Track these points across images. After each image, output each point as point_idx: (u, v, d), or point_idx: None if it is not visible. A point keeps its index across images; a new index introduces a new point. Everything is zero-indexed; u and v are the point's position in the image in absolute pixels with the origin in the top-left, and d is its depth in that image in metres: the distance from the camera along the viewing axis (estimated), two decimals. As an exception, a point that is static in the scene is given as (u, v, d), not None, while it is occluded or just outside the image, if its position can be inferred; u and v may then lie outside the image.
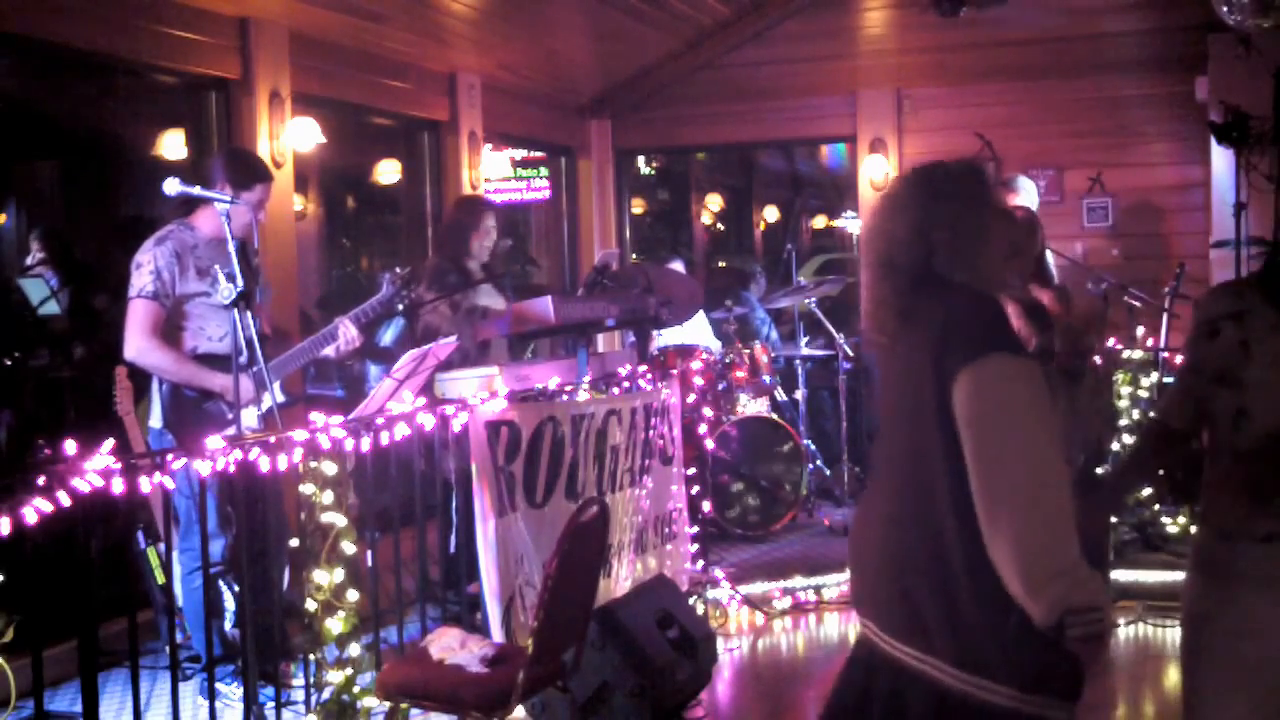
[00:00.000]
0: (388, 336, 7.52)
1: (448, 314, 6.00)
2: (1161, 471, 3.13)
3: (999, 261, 2.53)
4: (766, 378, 8.14)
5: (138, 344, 4.73)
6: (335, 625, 4.26)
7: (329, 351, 4.99)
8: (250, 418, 4.69)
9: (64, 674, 4.86)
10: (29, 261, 6.80)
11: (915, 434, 2.43)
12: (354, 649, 4.31)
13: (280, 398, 4.66)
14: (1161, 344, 7.51)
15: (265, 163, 5.33)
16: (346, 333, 4.94)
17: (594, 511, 3.86)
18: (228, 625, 4.88)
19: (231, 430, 4.42)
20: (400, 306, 5.13)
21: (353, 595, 4.30)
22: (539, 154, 10.29)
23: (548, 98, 9.69)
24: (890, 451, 2.57)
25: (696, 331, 8.36)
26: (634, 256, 11.06)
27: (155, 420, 4.86)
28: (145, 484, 3.68)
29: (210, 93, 6.40)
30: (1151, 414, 2.56)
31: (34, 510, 3.30)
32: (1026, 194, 7.07)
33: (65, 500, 3.37)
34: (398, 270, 5.13)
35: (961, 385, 2.33)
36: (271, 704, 4.36)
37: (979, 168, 2.63)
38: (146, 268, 4.72)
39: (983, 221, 2.52)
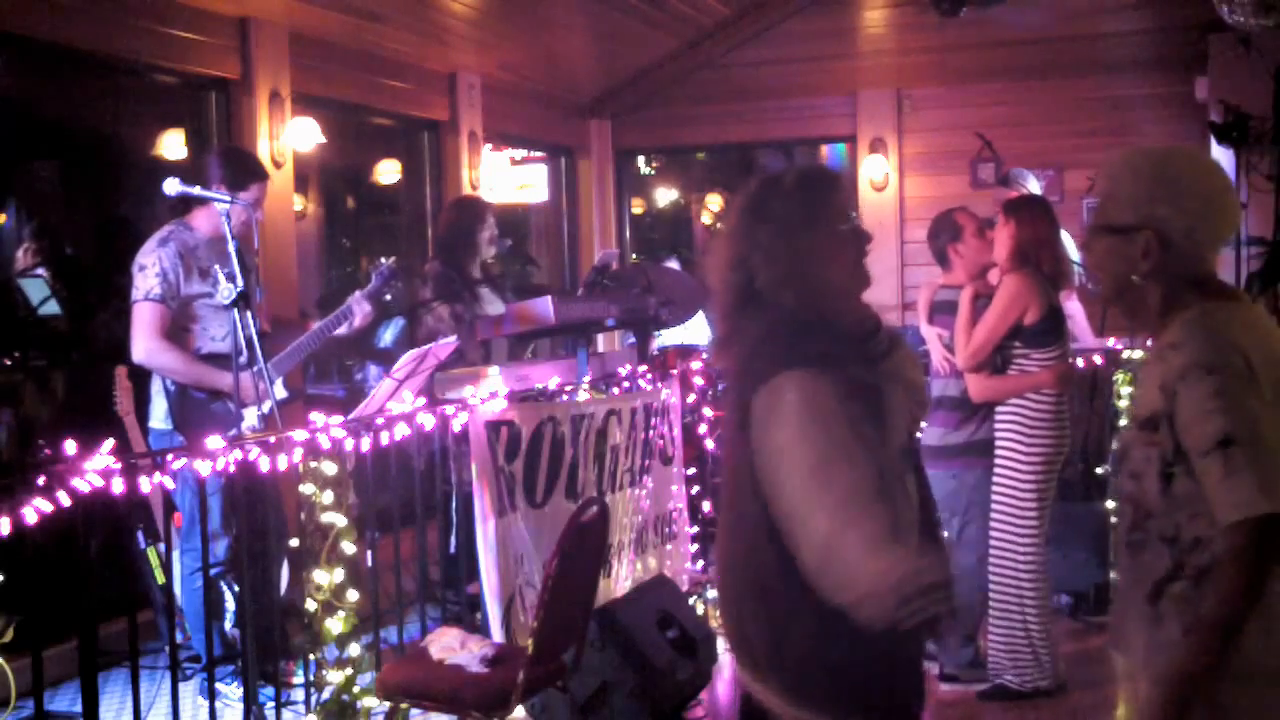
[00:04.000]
0: (388, 337, 7.52)
1: (450, 321, 6.00)
2: None
3: (829, 282, 2.40)
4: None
5: (147, 346, 4.72)
6: (335, 625, 4.26)
7: (342, 330, 5.09)
8: (252, 417, 4.70)
9: (64, 674, 4.87)
10: (19, 258, 6.78)
11: (732, 460, 2.40)
12: (354, 649, 4.31)
13: (283, 394, 4.67)
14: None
15: (260, 161, 5.33)
16: (361, 309, 5.06)
17: (594, 511, 3.86)
18: (228, 625, 4.88)
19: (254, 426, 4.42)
20: (389, 297, 5.17)
21: (353, 595, 4.30)
22: (539, 154, 10.29)
23: (548, 98, 9.68)
24: (724, 478, 2.57)
25: (697, 332, 8.36)
26: (634, 256, 11.07)
27: (158, 421, 4.86)
28: (145, 484, 3.68)
29: (210, 93, 6.40)
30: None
31: (34, 510, 3.30)
32: (1030, 184, 7.06)
33: (65, 500, 3.38)
34: (383, 261, 5.19)
35: (754, 408, 2.29)
36: (271, 704, 4.36)
37: (818, 179, 2.48)
38: (151, 270, 4.71)
39: (806, 243, 2.38)
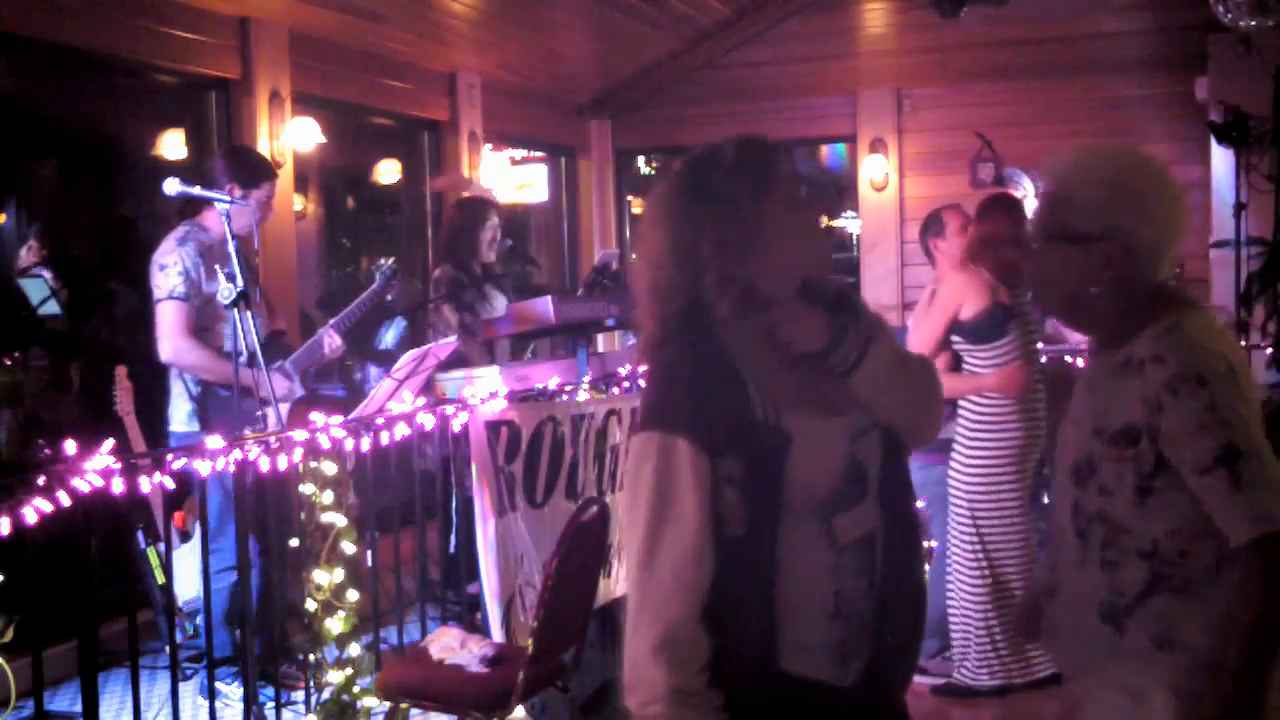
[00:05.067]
0: (389, 337, 7.51)
1: (455, 329, 6.00)
2: None
3: (792, 262, 2.13)
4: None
5: (175, 345, 4.71)
6: (335, 625, 4.26)
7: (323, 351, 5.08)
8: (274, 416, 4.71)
9: (64, 674, 4.86)
10: (22, 256, 6.78)
11: None
12: (354, 649, 4.31)
13: (300, 391, 4.69)
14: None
15: (269, 160, 5.32)
16: (331, 342, 5.03)
17: (594, 511, 3.86)
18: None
19: (274, 425, 4.42)
20: (390, 297, 5.17)
21: (353, 595, 4.30)
22: (538, 154, 10.30)
23: (548, 98, 9.69)
24: None
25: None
26: (634, 256, 11.05)
27: (180, 424, 4.83)
28: (145, 484, 3.69)
29: (210, 93, 6.41)
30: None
31: (34, 510, 3.30)
32: (1025, 185, 7.07)
33: (65, 500, 3.38)
34: (384, 261, 5.19)
35: (630, 446, 2.16)
36: (271, 704, 4.36)
37: (760, 146, 2.14)
38: (174, 269, 4.70)
39: (759, 218, 2.09)
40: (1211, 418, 2.14)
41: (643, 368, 2.31)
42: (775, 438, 2.07)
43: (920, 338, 4.95)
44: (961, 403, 4.94)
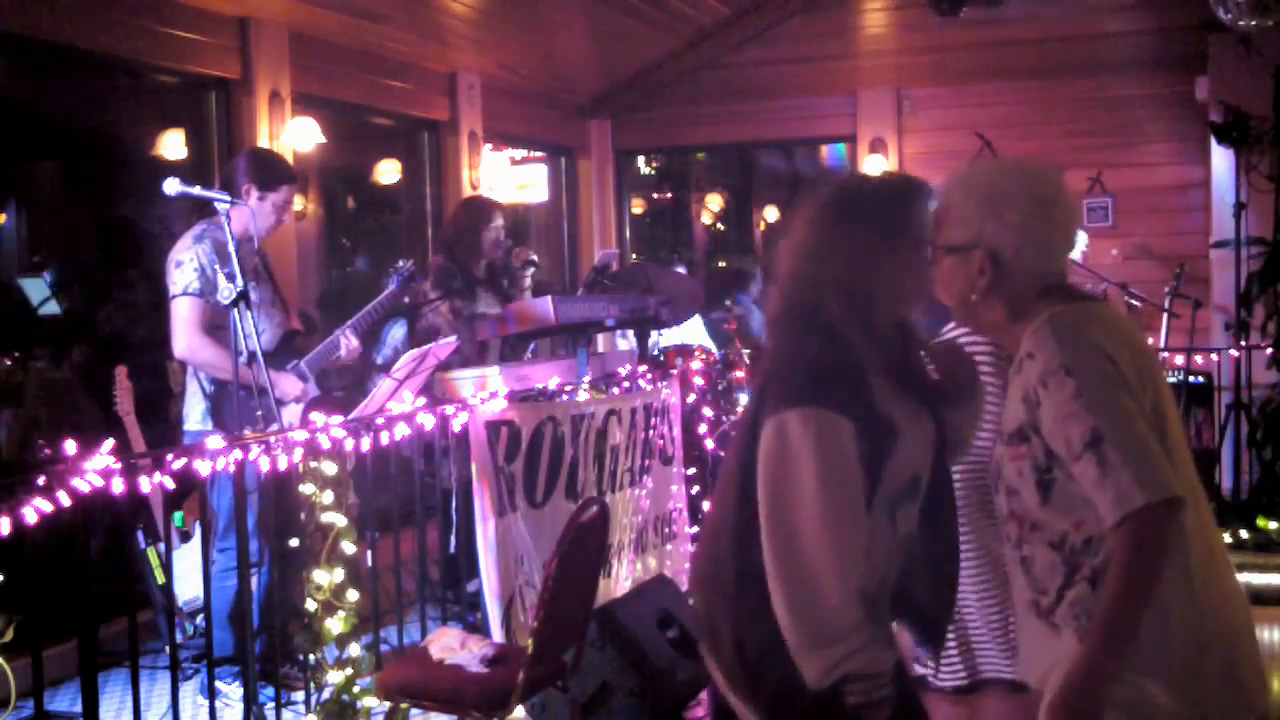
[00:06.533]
0: (396, 334, 7.51)
1: (449, 317, 6.00)
2: None
3: (903, 294, 2.38)
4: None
5: (189, 342, 4.70)
6: (335, 625, 4.26)
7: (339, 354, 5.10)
8: (291, 414, 4.71)
9: (64, 674, 4.86)
10: (18, 257, 6.77)
11: (733, 463, 2.40)
12: (354, 649, 4.31)
13: (314, 391, 4.68)
14: (1161, 344, 7.52)
15: (289, 164, 5.31)
16: (348, 344, 5.04)
17: (594, 511, 3.86)
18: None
19: (274, 426, 4.42)
20: (406, 299, 5.18)
21: (353, 595, 4.30)
22: (539, 153, 10.30)
23: (548, 98, 9.69)
24: (719, 479, 2.56)
25: (691, 334, 8.37)
26: (634, 256, 11.07)
27: (195, 423, 4.82)
28: (145, 484, 3.69)
29: (210, 93, 6.41)
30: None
31: (34, 510, 3.30)
32: None
33: (65, 500, 3.37)
34: (401, 263, 5.20)
35: (763, 437, 2.29)
36: (271, 704, 4.36)
37: (912, 188, 2.44)
38: (189, 265, 4.70)
39: (891, 251, 2.35)
40: (1077, 405, 2.18)
41: (772, 349, 2.44)
42: (889, 429, 2.30)
43: None
44: None
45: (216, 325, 4.75)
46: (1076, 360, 2.22)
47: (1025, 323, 2.34)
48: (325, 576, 4.25)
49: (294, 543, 4.34)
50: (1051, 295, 2.35)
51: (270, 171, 4.88)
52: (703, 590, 2.49)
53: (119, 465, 3.55)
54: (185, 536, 5.18)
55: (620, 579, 5.42)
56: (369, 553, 4.54)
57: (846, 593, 2.22)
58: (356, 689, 4.30)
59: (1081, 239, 7.30)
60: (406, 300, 5.21)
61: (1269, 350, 7.20)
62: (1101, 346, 2.23)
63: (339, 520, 4.27)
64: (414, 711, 4.24)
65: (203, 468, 3.86)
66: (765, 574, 2.27)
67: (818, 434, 2.23)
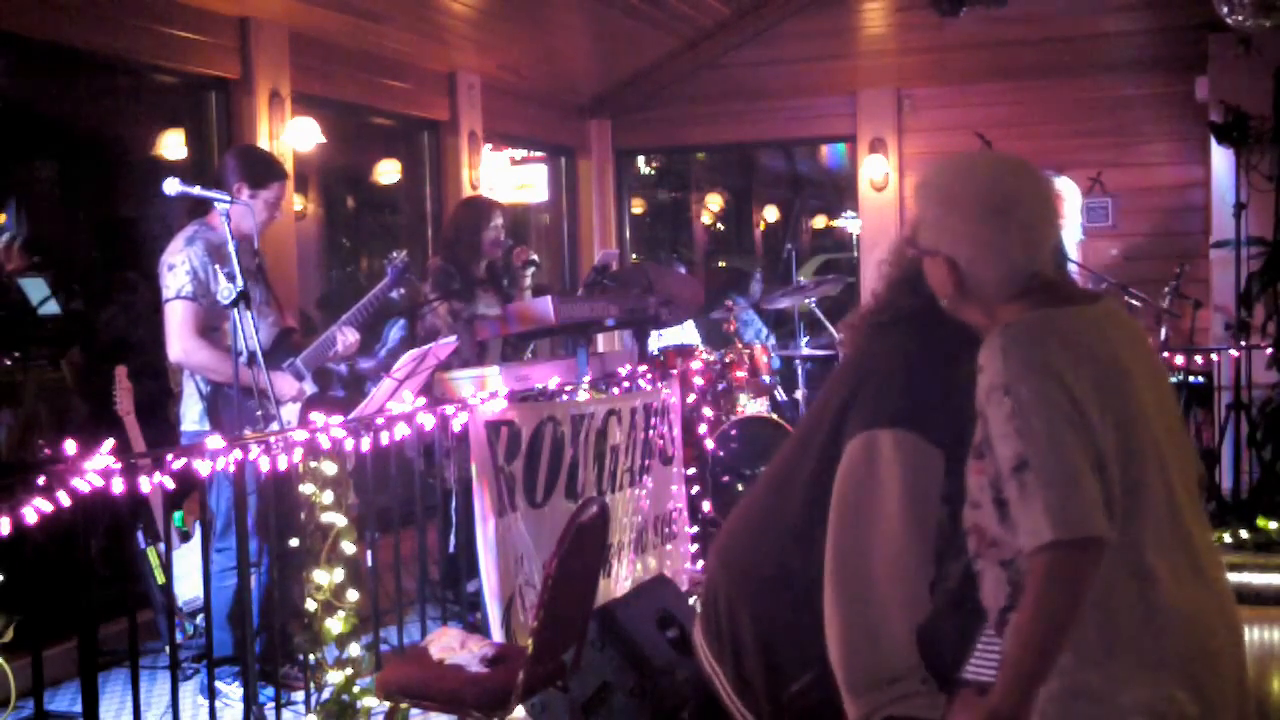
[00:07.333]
0: (394, 335, 7.52)
1: (448, 318, 6.00)
2: None
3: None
4: (766, 378, 8.15)
5: (183, 345, 4.70)
6: (335, 625, 4.26)
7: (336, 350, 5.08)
8: (288, 414, 4.71)
9: (64, 674, 4.86)
10: (16, 256, 6.75)
11: (796, 461, 2.34)
12: (354, 649, 4.31)
13: (311, 389, 4.68)
14: (1161, 344, 7.52)
15: (280, 161, 5.31)
16: (345, 339, 5.01)
17: (594, 511, 3.86)
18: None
19: (274, 426, 4.42)
20: (403, 291, 5.17)
21: (353, 595, 4.30)
22: (538, 154, 10.30)
23: (548, 98, 9.69)
24: (774, 470, 2.46)
25: (682, 333, 8.38)
26: (634, 256, 11.07)
27: (192, 424, 4.82)
28: (145, 484, 3.68)
29: (210, 93, 6.41)
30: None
31: (34, 510, 3.30)
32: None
33: (65, 500, 3.37)
34: (395, 254, 5.20)
35: (848, 450, 2.21)
36: (271, 704, 4.36)
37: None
38: (181, 268, 4.69)
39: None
40: (1010, 426, 2.09)
41: (859, 351, 2.38)
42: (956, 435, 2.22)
43: None
44: None
45: (211, 327, 4.75)
46: (1017, 380, 2.10)
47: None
48: (325, 576, 4.25)
49: (294, 542, 4.34)
50: (1030, 296, 2.24)
51: (260, 169, 4.88)
52: (725, 584, 2.38)
53: (119, 465, 3.55)
54: (185, 536, 5.18)
55: (620, 579, 5.42)
56: (369, 553, 4.54)
57: (909, 631, 2.14)
58: (356, 689, 4.30)
59: (1072, 237, 7.27)
60: (403, 291, 5.20)
61: (1269, 350, 7.20)
62: (1050, 364, 2.11)
63: (339, 520, 4.27)
64: (414, 711, 4.24)
65: (202, 468, 3.86)
66: (804, 583, 2.19)
67: (909, 462, 2.17)
